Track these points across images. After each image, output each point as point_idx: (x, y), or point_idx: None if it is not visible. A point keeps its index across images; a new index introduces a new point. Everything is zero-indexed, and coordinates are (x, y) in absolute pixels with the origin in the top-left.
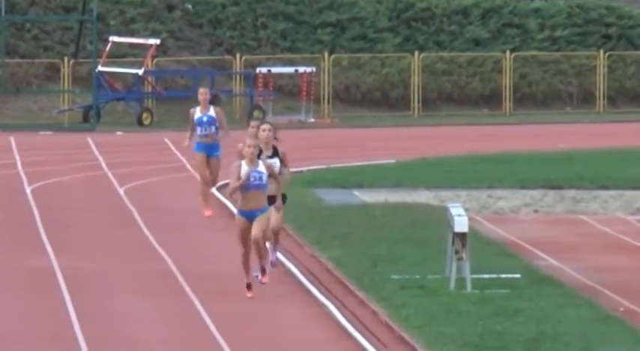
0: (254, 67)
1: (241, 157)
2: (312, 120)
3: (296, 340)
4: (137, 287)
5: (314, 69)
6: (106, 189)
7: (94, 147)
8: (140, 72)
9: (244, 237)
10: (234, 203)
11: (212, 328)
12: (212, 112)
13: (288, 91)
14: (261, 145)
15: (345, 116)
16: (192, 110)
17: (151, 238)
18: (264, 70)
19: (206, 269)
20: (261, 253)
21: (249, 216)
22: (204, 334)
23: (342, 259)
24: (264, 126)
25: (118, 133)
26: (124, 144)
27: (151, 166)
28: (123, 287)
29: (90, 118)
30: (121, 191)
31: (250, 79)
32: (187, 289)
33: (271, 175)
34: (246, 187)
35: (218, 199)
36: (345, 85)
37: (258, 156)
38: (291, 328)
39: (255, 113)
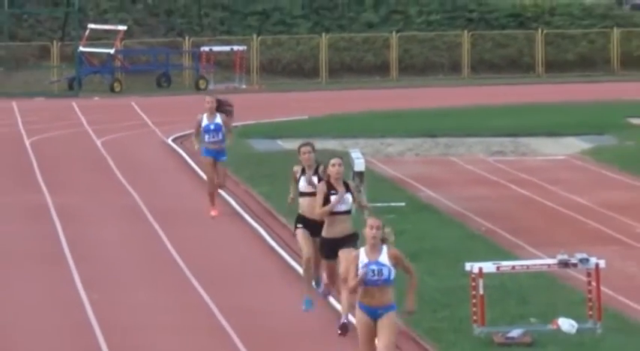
0: (199, 46)
1: (295, 177)
2: (244, 86)
3: (234, 254)
4: (112, 218)
5: (245, 48)
6: (86, 141)
7: (77, 109)
8: (112, 51)
9: (368, 344)
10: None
11: (168, 244)
12: (218, 119)
13: (225, 65)
14: (332, 180)
15: (269, 83)
16: (199, 117)
17: (123, 180)
18: (206, 48)
19: (167, 204)
20: None
21: (373, 314)
22: (164, 253)
23: (270, 194)
24: (334, 160)
25: (96, 98)
26: (100, 107)
27: (121, 123)
28: (100, 218)
29: (74, 87)
30: (98, 143)
31: (196, 56)
32: (151, 219)
33: (400, 266)
34: (364, 282)
35: (177, 152)
36: (269, 60)
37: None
38: (230, 246)
39: (305, 145)
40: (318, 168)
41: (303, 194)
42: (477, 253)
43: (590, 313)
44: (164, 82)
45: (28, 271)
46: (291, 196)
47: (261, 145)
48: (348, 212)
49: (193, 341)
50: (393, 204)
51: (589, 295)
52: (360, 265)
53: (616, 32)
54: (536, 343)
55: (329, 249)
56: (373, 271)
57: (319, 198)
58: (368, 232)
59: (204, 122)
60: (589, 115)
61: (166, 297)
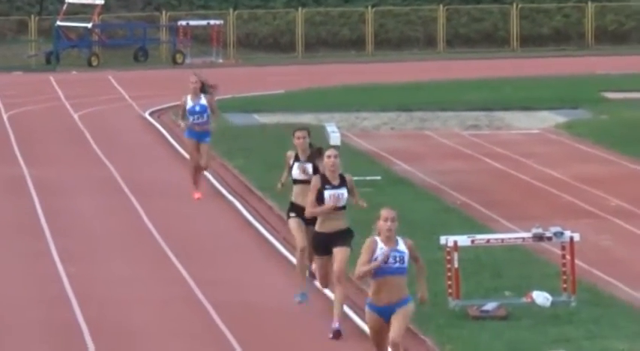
0: (176, 20)
1: (288, 162)
2: (221, 61)
3: (209, 227)
4: (88, 190)
5: (222, 22)
6: (64, 115)
7: (54, 83)
8: (89, 25)
9: (379, 341)
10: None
11: (144, 217)
12: (203, 100)
13: (202, 39)
14: (326, 173)
15: (246, 58)
16: (183, 99)
17: (99, 152)
18: (183, 23)
19: (144, 177)
20: None
21: (386, 312)
22: (140, 226)
23: (245, 167)
24: (330, 151)
25: (73, 72)
26: (77, 80)
27: (98, 97)
28: (77, 190)
29: (51, 61)
30: (76, 116)
31: (173, 30)
32: (127, 192)
33: (412, 255)
34: (380, 270)
35: (153, 126)
36: (245, 34)
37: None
38: (205, 218)
39: (300, 129)
40: (312, 154)
41: (296, 181)
42: (452, 226)
43: (565, 286)
44: (141, 56)
45: (5, 243)
46: (282, 181)
47: (237, 119)
48: (342, 208)
49: (170, 314)
50: (368, 178)
51: (563, 269)
52: (380, 251)
53: (590, 6)
54: (511, 316)
55: (321, 243)
56: (395, 257)
57: (311, 194)
58: (382, 225)
59: (189, 104)
60: (563, 89)
61: (143, 270)
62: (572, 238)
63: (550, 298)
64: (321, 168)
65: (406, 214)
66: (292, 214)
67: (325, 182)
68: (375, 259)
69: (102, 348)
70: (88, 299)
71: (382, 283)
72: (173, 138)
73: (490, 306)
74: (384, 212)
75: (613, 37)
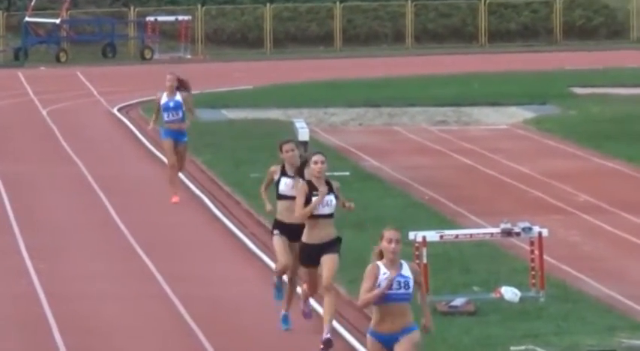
0: (144, 16)
1: (271, 177)
2: (189, 56)
3: (177, 222)
4: (57, 187)
5: (190, 17)
6: (32, 111)
7: (23, 79)
8: (57, 21)
9: None
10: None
11: (112, 213)
12: (178, 97)
13: (170, 35)
14: (312, 179)
15: (214, 53)
16: (158, 95)
17: (67, 148)
18: (152, 18)
19: (112, 173)
20: None
21: (390, 341)
22: (109, 222)
23: (213, 162)
24: (316, 157)
25: (42, 68)
26: (46, 77)
27: (67, 93)
28: (46, 186)
29: (20, 57)
30: (44, 112)
31: (141, 26)
32: (96, 188)
33: (417, 281)
34: (383, 297)
35: (122, 122)
36: (213, 30)
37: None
38: (173, 213)
39: (287, 142)
40: (301, 166)
41: (281, 197)
42: (421, 222)
43: (533, 281)
44: (109, 52)
45: None
46: (267, 197)
47: (205, 114)
48: (331, 216)
49: (138, 309)
50: (337, 173)
51: (532, 264)
52: (383, 277)
53: (558, 2)
54: (480, 312)
55: (309, 256)
56: (399, 282)
57: (300, 199)
58: (387, 246)
59: (163, 100)
60: (532, 85)
61: (111, 265)
62: (540, 234)
63: (519, 293)
64: (306, 175)
65: (375, 209)
66: (276, 232)
67: (312, 189)
68: (379, 286)
69: (70, 344)
70: (57, 295)
71: (386, 310)
72: (141, 134)
73: (459, 301)
74: (388, 233)
75: (581, 32)
